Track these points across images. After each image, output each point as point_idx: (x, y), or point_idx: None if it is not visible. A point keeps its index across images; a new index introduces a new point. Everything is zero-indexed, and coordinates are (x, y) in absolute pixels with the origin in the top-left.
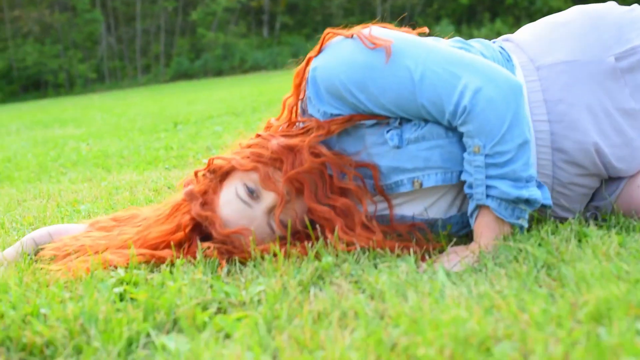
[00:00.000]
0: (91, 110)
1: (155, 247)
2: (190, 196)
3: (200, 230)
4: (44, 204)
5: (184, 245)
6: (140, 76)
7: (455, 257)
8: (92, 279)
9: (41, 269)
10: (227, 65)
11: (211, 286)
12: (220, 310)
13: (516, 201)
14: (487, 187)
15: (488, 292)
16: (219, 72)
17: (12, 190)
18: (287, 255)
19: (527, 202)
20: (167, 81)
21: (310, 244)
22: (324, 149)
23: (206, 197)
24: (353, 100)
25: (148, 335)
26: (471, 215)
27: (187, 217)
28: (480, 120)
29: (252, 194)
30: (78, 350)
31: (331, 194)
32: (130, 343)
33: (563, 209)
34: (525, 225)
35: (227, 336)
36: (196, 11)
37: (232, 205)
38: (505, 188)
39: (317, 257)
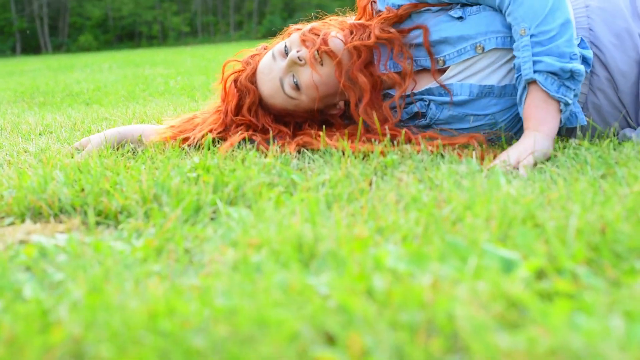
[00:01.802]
0: (182, 55)
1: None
2: (261, 47)
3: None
4: (129, 118)
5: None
6: (233, 32)
7: (514, 153)
8: (168, 161)
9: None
10: None
11: (279, 172)
12: (286, 192)
13: (561, 73)
14: (534, 62)
15: (541, 185)
16: None
17: (101, 109)
18: (355, 152)
19: (572, 75)
20: (258, 38)
21: (377, 141)
22: (392, 29)
23: (266, 51)
24: None
25: (215, 205)
26: (520, 101)
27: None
28: (524, 6)
29: (286, 52)
30: (149, 215)
31: (382, 70)
32: (197, 211)
33: (602, 66)
34: (570, 102)
35: (289, 212)
36: None
37: (266, 57)
38: (551, 61)
39: (383, 154)
